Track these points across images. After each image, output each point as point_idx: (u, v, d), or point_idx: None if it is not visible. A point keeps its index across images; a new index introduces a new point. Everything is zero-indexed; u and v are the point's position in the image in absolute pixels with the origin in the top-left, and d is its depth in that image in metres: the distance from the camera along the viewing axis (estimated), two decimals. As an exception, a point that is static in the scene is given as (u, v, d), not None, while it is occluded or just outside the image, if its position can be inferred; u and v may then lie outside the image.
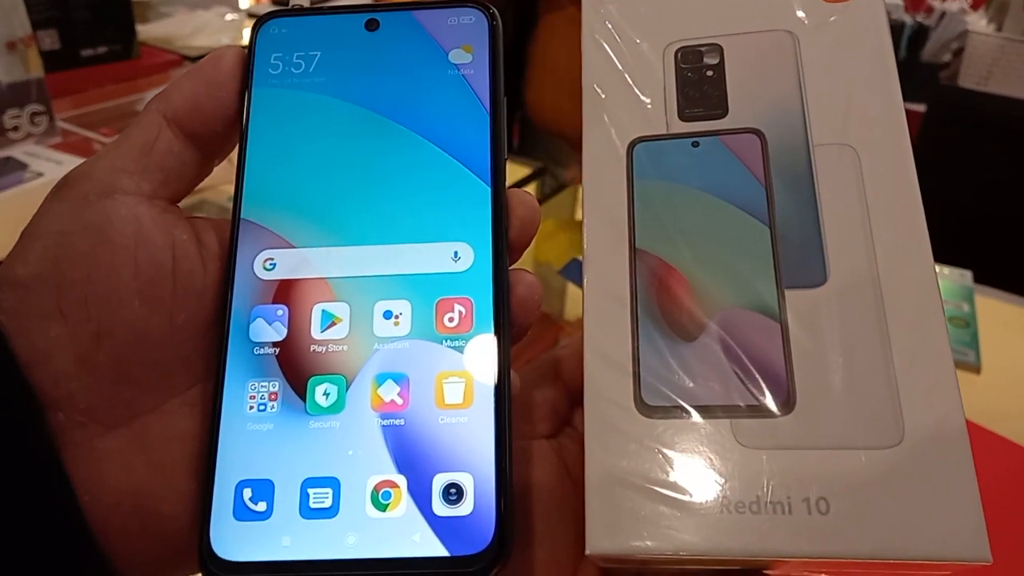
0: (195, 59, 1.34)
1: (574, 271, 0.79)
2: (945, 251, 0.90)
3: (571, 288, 0.82)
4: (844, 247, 0.22)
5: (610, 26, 0.26)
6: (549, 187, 1.02)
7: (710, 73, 0.25)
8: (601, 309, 0.23)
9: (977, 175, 1.42)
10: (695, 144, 0.24)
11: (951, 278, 0.79)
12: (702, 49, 0.25)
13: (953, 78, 1.79)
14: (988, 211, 1.42)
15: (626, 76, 0.26)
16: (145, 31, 1.41)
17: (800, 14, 0.25)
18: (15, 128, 0.97)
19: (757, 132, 0.24)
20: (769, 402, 0.21)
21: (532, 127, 1.14)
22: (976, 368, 0.67)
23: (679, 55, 0.25)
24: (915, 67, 2.01)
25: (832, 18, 0.24)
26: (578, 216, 0.99)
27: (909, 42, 2.04)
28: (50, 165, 0.86)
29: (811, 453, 0.20)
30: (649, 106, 0.25)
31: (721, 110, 0.24)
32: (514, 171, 1.03)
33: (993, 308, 0.77)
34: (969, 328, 0.71)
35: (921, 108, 1.53)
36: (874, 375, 0.21)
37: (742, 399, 0.21)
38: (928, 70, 1.98)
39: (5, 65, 0.94)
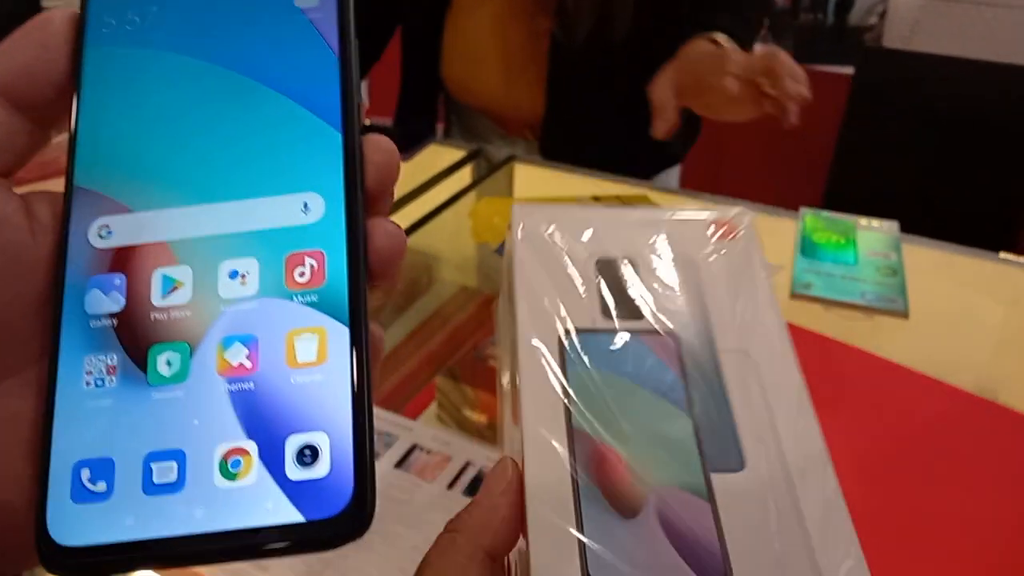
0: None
1: (509, 249, 0.78)
2: (875, 204, 0.91)
3: (484, 268, 0.81)
4: (755, 437, 0.26)
5: (542, 241, 0.30)
6: (484, 168, 1.01)
7: (625, 278, 0.29)
8: (543, 484, 0.24)
9: (904, 131, 1.45)
10: (618, 340, 0.27)
11: (880, 230, 0.81)
12: (615, 261, 0.30)
13: (878, 40, 1.82)
14: (914, 164, 1.45)
15: (557, 280, 0.29)
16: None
17: (694, 247, 0.30)
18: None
19: (673, 335, 0.28)
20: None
21: (462, 112, 1.13)
22: (904, 314, 0.68)
23: (599, 264, 0.30)
24: (842, 31, 2.04)
25: (723, 251, 0.30)
26: (514, 191, 0.99)
27: (836, 7, 2.07)
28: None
29: None
30: (578, 305, 0.28)
31: (640, 316, 0.28)
32: (448, 154, 1.01)
33: (919, 255, 0.78)
34: (897, 276, 0.72)
35: (849, 71, 1.56)
36: (796, 551, 0.23)
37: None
38: (854, 33, 2.01)
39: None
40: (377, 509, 0.19)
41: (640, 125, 0.87)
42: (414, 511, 0.49)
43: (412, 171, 0.98)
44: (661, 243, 0.30)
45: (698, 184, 1.00)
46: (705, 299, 0.29)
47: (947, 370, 0.62)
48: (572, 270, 0.29)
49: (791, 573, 0.23)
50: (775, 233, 0.84)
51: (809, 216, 0.83)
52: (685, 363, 0.27)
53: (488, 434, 0.64)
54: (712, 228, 0.31)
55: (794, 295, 0.71)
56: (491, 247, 0.80)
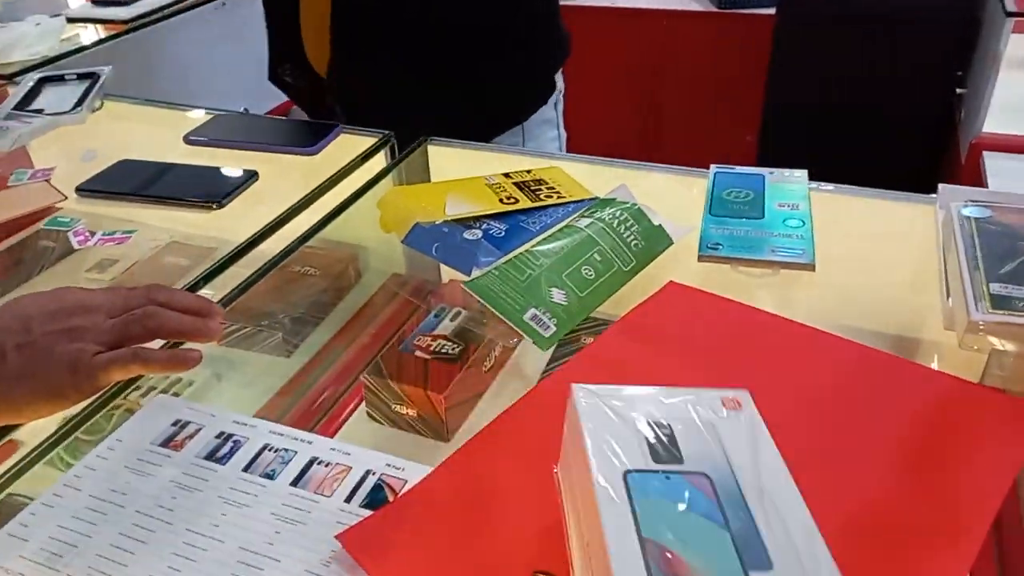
0: (11, 76, 1.24)
1: (417, 238, 0.76)
2: (790, 154, 0.90)
3: (413, 255, 0.79)
4: (776, 546, 0.36)
5: (603, 411, 0.42)
6: (392, 156, 0.99)
7: (666, 435, 0.41)
8: (627, 567, 0.34)
9: (825, 69, 1.44)
10: (667, 477, 0.38)
11: (790, 179, 0.80)
12: (658, 423, 0.41)
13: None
14: (833, 104, 1.45)
15: (617, 437, 0.41)
16: (-49, 54, 1.30)
17: (714, 412, 0.42)
18: None
19: (705, 475, 0.39)
20: None
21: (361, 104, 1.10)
22: (812, 266, 0.67)
23: (645, 425, 0.41)
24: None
25: (733, 417, 0.42)
26: (430, 174, 0.96)
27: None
28: None
29: None
30: (634, 453, 0.40)
31: (679, 459, 0.40)
32: (359, 143, 0.99)
33: (829, 203, 0.77)
34: (804, 227, 0.72)
35: (771, 12, 1.54)
36: None
37: None
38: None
39: None
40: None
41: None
42: (310, 530, 0.47)
43: (321, 165, 0.95)
44: (684, 411, 0.42)
45: (640, 138, 0.97)
46: (726, 450, 0.40)
47: (854, 318, 0.62)
48: (626, 432, 0.41)
49: None
50: (689, 193, 0.83)
51: (719, 173, 0.81)
52: (719, 494, 0.37)
53: (419, 427, 0.62)
54: (722, 401, 0.43)
55: (701, 257, 0.70)
56: (397, 237, 0.78)
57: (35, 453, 0.56)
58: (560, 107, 1.14)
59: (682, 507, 0.37)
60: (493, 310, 0.64)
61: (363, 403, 0.65)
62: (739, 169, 0.82)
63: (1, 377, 0.47)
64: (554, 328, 0.63)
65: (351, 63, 1.02)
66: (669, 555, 0.34)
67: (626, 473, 0.38)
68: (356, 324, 0.83)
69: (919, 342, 0.65)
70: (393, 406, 0.63)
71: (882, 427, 0.52)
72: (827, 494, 0.45)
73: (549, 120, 1.12)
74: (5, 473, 0.54)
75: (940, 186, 0.72)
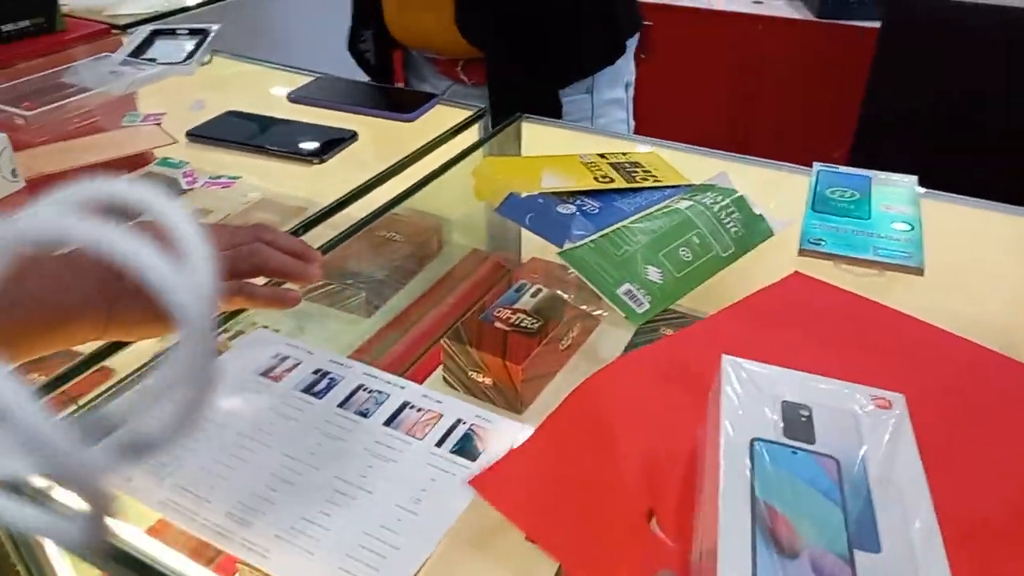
0: (124, 27, 1.30)
1: (511, 207, 0.77)
2: (898, 160, 0.88)
3: (496, 231, 0.79)
4: (890, 534, 0.36)
5: (747, 384, 0.44)
6: (486, 129, 1.00)
7: (804, 416, 0.42)
8: (733, 530, 0.36)
9: (932, 83, 1.40)
10: (794, 452, 0.40)
11: (898, 184, 0.78)
12: (798, 404, 0.43)
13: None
14: (942, 115, 1.40)
15: (754, 410, 0.42)
16: (70, 2, 1.35)
17: (859, 406, 0.43)
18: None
19: (833, 458, 0.40)
20: None
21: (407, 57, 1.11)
22: (920, 271, 0.65)
23: (784, 404, 0.43)
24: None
25: (880, 415, 0.43)
26: (521, 153, 0.97)
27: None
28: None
29: None
30: (765, 426, 0.41)
31: (811, 440, 0.41)
32: (455, 114, 1.00)
33: (939, 211, 0.75)
34: (912, 232, 0.70)
35: (876, 24, 1.50)
36: None
37: None
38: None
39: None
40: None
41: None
42: (401, 469, 0.48)
43: (418, 132, 0.97)
44: (831, 399, 0.43)
45: (723, 142, 0.96)
46: (862, 439, 0.41)
47: (963, 327, 0.60)
48: (764, 406, 0.42)
49: None
50: (786, 189, 0.81)
51: (823, 171, 0.80)
52: (843, 478, 0.38)
53: (493, 396, 0.63)
54: (872, 398, 0.43)
55: (803, 251, 0.68)
56: (491, 206, 0.78)
57: (128, 379, 0.58)
58: (631, 92, 1.14)
59: (802, 481, 0.38)
60: (587, 282, 0.64)
61: (439, 367, 0.66)
62: (844, 169, 0.80)
63: (118, 295, 0.49)
64: (648, 305, 0.63)
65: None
66: (777, 515, 0.36)
67: (753, 440, 0.40)
68: (436, 292, 0.84)
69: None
70: (470, 373, 0.64)
71: (1012, 432, 0.50)
72: (956, 497, 0.44)
73: (619, 101, 1.12)
74: (99, 396, 0.56)
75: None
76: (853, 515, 0.37)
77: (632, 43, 1.11)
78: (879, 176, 0.78)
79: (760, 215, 0.71)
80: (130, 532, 0.46)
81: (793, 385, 0.44)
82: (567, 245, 0.70)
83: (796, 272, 0.65)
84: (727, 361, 0.45)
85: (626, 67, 1.12)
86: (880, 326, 0.60)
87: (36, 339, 0.48)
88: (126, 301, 0.49)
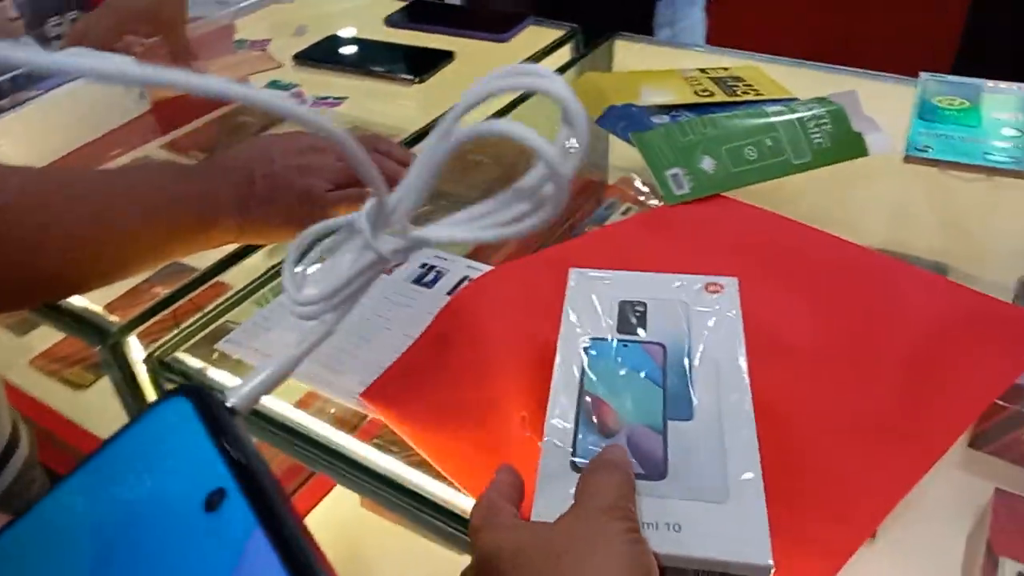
0: None
1: (611, 119, 0.78)
2: (1001, 69, 0.84)
3: (600, 146, 0.81)
4: (704, 403, 0.41)
5: (589, 288, 0.48)
6: (581, 45, 1.00)
7: (639, 311, 0.46)
8: (559, 418, 0.41)
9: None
10: (625, 345, 0.44)
11: (1009, 91, 0.75)
12: (634, 302, 0.47)
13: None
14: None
15: (590, 312, 0.47)
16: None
17: (689, 296, 0.47)
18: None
19: (661, 344, 0.44)
20: (651, 473, 0.37)
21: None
22: (1030, 176, 0.64)
23: (620, 304, 0.47)
24: None
25: (709, 299, 0.47)
26: (614, 68, 0.97)
27: None
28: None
29: (673, 501, 0.36)
30: (599, 325, 0.46)
31: (644, 331, 0.45)
32: (547, 34, 1.01)
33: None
34: (1022, 137, 0.68)
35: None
36: (715, 467, 0.37)
37: (637, 470, 0.37)
38: None
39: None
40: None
41: None
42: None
43: (512, 52, 0.98)
44: (666, 292, 0.47)
45: (826, 50, 0.93)
46: (690, 325, 0.45)
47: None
48: (600, 306, 0.46)
49: (707, 476, 0.37)
50: (892, 98, 0.80)
51: (930, 81, 0.78)
52: (668, 360, 0.43)
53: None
54: (704, 285, 0.47)
55: (908, 158, 0.68)
56: (593, 118, 0.80)
57: (245, 290, 0.62)
58: None
59: (627, 369, 0.42)
60: (644, 160, 0.66)
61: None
62: (951, 78, 0.78)
63: (250, 198, 0.53)
64: (688, 190, 0.64)
65: None
66: (601, 403, 0.41)
67: (588, 341, 0.44)
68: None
69: None
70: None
71: (876, 328, 0.50)
72: (804, 384, 0.46)
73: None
74: (216, 307, 0.60)
75: None
76: (672, 392, 0.41)
77: None
78: (988, 84, 0.76)
79: (858, 133, 0.69)
80: (281, 405, 0.52)
81: (633, 286, 0.48)
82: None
83: (720, 195, 0.65)
84: (573, 273, 0.49)
85: None
86: (780, 237, 0.60)
87: (179, 243, 0.53)
88: (256, 205, 0.53)
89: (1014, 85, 0.76)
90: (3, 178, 0.46)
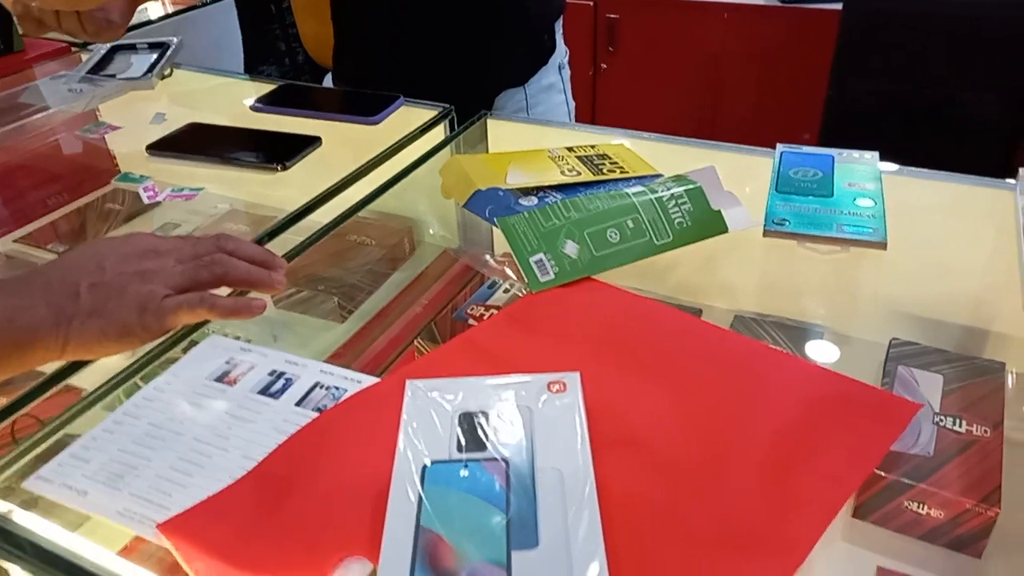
0: (84, 44, 1.28)
1: (478, 203, 0.76)
2: (866, 141, 0.88)
3: (467, 229, 0.79)
4: (551, 527, 0.38)
5: (425, 402, 0.45)
6: (451, 129, 0.99)
7: (480, 424, 0.43)
8: (394, 562, 0.37)
9: (892, 64, 1.41)
10: (465, 465, 0.41)
11: (860, 161, 0.78)
12: (473, 413, 0.44)
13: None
14: (899, 101, 1.42)
15: (429, 428, 0.44)
16: (28, 23, 1.34)
17: (531, 398, 0.45)
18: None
19: (504, 459, 0.41)
20: None
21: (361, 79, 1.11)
22: (883, 244, 0.65)
23: (460, 417, 0.44)
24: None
25: (554, 400, 0.44)
26: (489, 146, 0.96)
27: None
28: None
29: None
30: (439, 445, 0.43)
31: (484, 447, 0.42)
32: (420, 115, 0.99)
33: (903, 185, 0.75)
34: (876, 206, 0.70)
35: (838, 7, 1.51)
36: None
37: None
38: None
39: None
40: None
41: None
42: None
43: (383, 133, 0.96)
44: (508, 397, 0.44)
45: (698, 128, 0.96)
46: (533, 433, 0.42)
47: (930, 300, 0.60)
48: (438, 420, 0.43)
49: None
50: (751, 171, 0.81)
51: (786, 152, 0.80)
52: (511, 478, 0.40)
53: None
54: (547, 384, 0.45)
55: (767, 232, 0.68)
56: (459, 203, 0.78)
57: (94, 395, 0.57)
58: (566, 73, 1.12)
59: (469, 496, 0.39)
60: (509, 247, 0.65)
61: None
62: (807, 149, 0.80)
63: (74, 313, 0.48)
64: (552, 276, 0.63)
65: (350, 41, 1.04)
66: (439, 541, 0.37)
67: (425, 466, 0.41)
68: (409, 294, 0.83)
69: (992, 321, 0.63)
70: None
71: (738, 416, 0.48)
72: (662, 488, 0.43)
73: (554, 85, 1.10)
74: (63, 414, 0.55)
75: (1021, 170, 0.70)
76: (516, 516, 0.38)
77: (558, 25, 1.09)
78: (842, 154, 0.79)
79: (717, 211, 0.69)
80: (101, 555, 0.45)
81: (473, 394, 0.45)
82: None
83: (588, 278, 0.64)
84: (409, 386, 0.46)
85: (557, 51, 1.09)
86: (644, 322, 0.59)
87: None
88: (81, 320, 0.48)
89: (866, 153, 0.78)
90: None
